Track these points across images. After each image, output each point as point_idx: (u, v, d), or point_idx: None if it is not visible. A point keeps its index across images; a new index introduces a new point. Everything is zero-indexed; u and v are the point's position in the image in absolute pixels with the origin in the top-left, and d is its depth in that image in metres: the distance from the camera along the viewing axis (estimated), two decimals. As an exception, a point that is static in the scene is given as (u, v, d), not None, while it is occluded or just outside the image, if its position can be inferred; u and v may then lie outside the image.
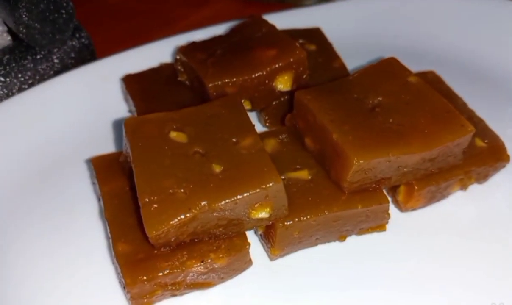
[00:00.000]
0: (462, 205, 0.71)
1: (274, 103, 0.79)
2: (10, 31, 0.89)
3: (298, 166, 0.67)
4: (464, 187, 0.71)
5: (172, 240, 0.58)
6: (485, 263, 0.65)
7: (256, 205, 0.59)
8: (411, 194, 0.67)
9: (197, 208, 0.57)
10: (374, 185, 0.64)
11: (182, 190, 0.58)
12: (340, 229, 0.65)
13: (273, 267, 0.65)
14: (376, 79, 0.70)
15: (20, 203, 0.73)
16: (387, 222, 0.67)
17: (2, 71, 0.86)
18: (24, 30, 0.84)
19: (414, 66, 0.73)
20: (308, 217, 0.62)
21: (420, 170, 0.65)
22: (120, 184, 0.66)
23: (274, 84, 0.77)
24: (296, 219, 0.62)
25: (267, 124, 0.80)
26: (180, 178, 0.59)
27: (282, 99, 0.79)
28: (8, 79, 0.86)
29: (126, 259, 0.59)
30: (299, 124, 0.70)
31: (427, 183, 0.67)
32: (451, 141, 0.63)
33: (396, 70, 0.71)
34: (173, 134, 0.63)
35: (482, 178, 0.72)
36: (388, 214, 0.66)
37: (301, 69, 0.77)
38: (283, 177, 0.62)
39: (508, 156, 0.71)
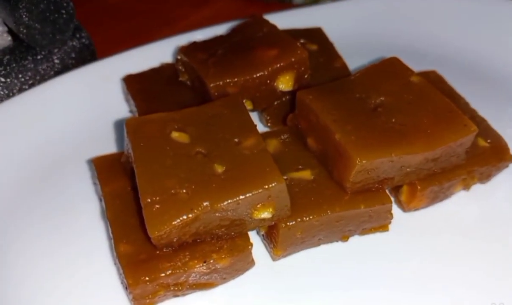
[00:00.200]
0: (465, 205, 0.71)
1: (275, 103, 0.79)
2: (10, 32, 0.89)
3: (300, 166, 0.67)
4: (467, 187, 0.71)
5: (174, 240, 0.58)
6: (488, 263, 0.65)
7: (258, 206, 0.59)
8: (414, 194, 0.67)
9: (199, 208, 0.57)
10: (377, 185, 0.64)
11: (184, 191, 0.58)
12: (342, 229, 0.65)
13: (276, 268, 0.65)
14: (378, 79, 0.70)
15: (21, 204, 0.72)
16: (390, 222, 0.67)
17: (3, 72, 0.85)
18: (25, 31, 0.83)
19: (416, 66, 0.73)
20: (311, 217, 0.62)
21: (423, 170, 0.65)
22: (122, 184, 0.66)
23: (275, 84, 0.76)
24: (299, 220, 0.61)
25: (268, 124, 0.80)
26: (182, 178, 0.59)
27: (283, 99, 0.79)
28: (8, 80, 0.86)
29: (128, 259, 0.59)
30: (301, 124, 0.70)
31: (430, 183, 0.66)
32: (454, 141, 0.63)
33: (398, 70, 0.71)
34: (175, 134, 0.63)
35: (485, 178, 0.72)
36: (391, 214, 0.66)
37: (302, 69, 0.76)
38: (285, 177, 0.62)
39: (511, 156, 0.71)
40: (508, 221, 0.69)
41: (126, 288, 0.60)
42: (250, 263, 0.63)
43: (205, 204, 0.57)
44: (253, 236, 0.66)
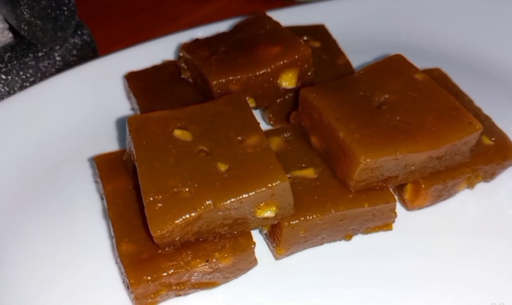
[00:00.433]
0: (469, 204, 0.71)
1: (278, 100, 0.79)
2: (11, 29, 0.89)
3: (303, 165, 0.66)
4: (471, 185, 0.71)
5: (177, 239, 0.57)
6: (493, 262, 0.64)
7: (261, 204, 0.59)
8: (418, 193, 0.66)
9: (202, 207, 0.56)
10: (380, 183, 0.64)
11: (187, 189, 0.57)
12: (346, 228, 0.64)
13: (278, 267, 0.65)
14: (382, 76, 0.69)
15: (22, 202, 0.72)
16: (393, 221, 0.66)
17: (4, 69, 0.85)
18: (26, 27, 0.83)
19: (419, 63, 0.73)
20: (314, 216, 0.61)
21: (427, 169, 0.64)
22: (124, 183, 0.66)
23: (278, 81, 0.76)
24: (302, 218, 0.61)
25: (271, 122, 0.79)
26: (185, 176, 0.58)
27: (286, 96, 0.78)
28: (9, 77, 0.85)
29: (130, 259, 0.59)
30: (304, 122, 0.69)
31: (434, 182, 0.66)
32: (459, 139, 0.62)
33: (402, 67, 0.70)
34: (178, 132, 0.62)
35: (489, 176, 0.71)
36: (395, 213, 0.65)
37: (305, 66, 0.76)
38: (288, 176, 0.61)
39: (515, 155, 0.70)
40: (513, 220, 0.68)
41: (127, 287, 0.59)
42: (253, 262, 0.63)
43: (208, 202, 0.56)
44: (255, 235, 0.65)
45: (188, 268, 0.58)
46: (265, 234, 0.66)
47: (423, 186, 0.66)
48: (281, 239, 0.62)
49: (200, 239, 0.59)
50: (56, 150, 0.79)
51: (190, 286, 0.60)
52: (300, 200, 0.62)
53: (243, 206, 0.58)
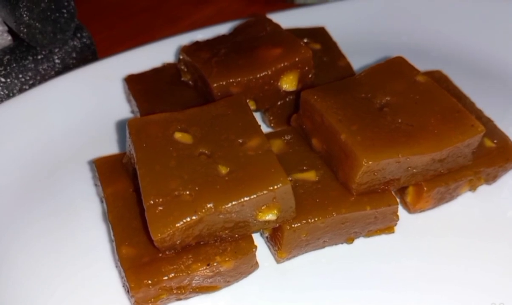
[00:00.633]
0: (471, 206, 0.70)
1: (279, 103, 0.78)
2: (10, 31, 0.88)
3: (305, 167, 0.66)
4: (473, 188, 0.70)
5: (178, 243, 0.57)
6: (495, 265, 0.64)
7: (263, 207, 0.58)
8: (420, 196, 0.66)
9: (203, 210, 0.56)
10: (382, 186, 0.63)
11: (187, 192, 0.57)
12: (348, 231, 0.64)
13: (280, 270, 0.64)
14: (383, 78, 0.69)
15: (21, 205, 0.72)
16: (395, 224, 0.66)
17: (3, 72, 0.85)
18: (25, 30, 0.83)
19: (421, 66, 0.72)
20: (316, 219, 0.61)
21: (430, 171, 0.64)
22: (124, 185, 0.65)
23: (279, 83, 0.76)
24: (304, 221, 0.61)
25: (271, 125, 0.79)
26: (186, 179, 0.58)
27: (287, 99, 0.78)
28: (8, 80, 0.85)
29: (130, 262, 0.58)
30: (305, 124, 0.69)
31: (436, 184, 0.65)
32: (462, 141, 0.62)
33: (403, 69, 0.70)
34: (178, 135, 0.62)
35: (491, 178, 0.71)
36: (397, 215, 0.65)
37: (306, 68, 0.76)
38: (289, 179, 0.61)
39: (517, 157, 0.70)
40: (516, 222, 0.68)
41: (128, 291, 0.59)
42: (254, 266, 0.62)
43: (209, 206, 0.56)
44: (257, 238, 0.65)
45: (189, 272, 0.58)
46: (267, 237, 0.65)
47: (425, 188, 0.65)
48: (282, 242, 0.61)
49: (201, 243, 0.59)
50: (56, 153, 0.78)
51: (191, 290, 0.60)
52: (302, 203, 0.61)
53: (244, 209, 0.57)
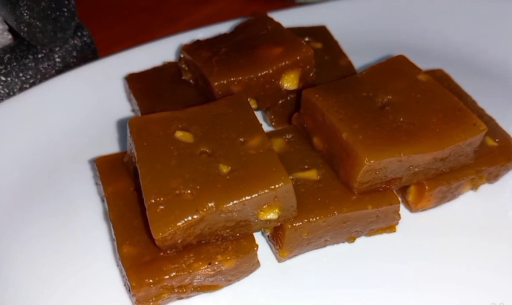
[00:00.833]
0: (473, 206, 0.70)
1: (280, 102, 0.78)
2: (11, 30, 0.88)
3: (306, 166, 0.66)
4: (475, 187, 0.70)
5: (179, 242, 0.57)
6: (497, 264, 0.64)
7: (264, 206, 0.58)
8: (422, 195, 0.66)
9: (205, 209, 0.56)
10: (384, 185, 0.63)
11: (189, 191, 0.57)
12: (349, 230, 0.64)
13: (281, 269, 0.64)
14: (385, 77, 0.69)
15: (22, 204, 0.71)
16: (397, 223, 0.66)
17: (3, 70, 0.84)
18: (25, 29, 0.82)
19: (422, 64, 0.72)
20: (318, 218, 0.61)
21: (431, 170, 0.64)
22: (125, 184, 0.65)
23: (280, 82, 0.75)
24: (305, 220, 0.60)
25: (272, 124, 0.79)
26: (187, 178, 0.58)
27: (288, 97, 0.78)
28: (9, 78, 0.85)
29: (131, 261, 0.58)
30: (306, 123, 0.69)
31: (438, 183, 0.65)
32: (464, 140, 0.62)
33: (405, 68, 0.70)
34: (179, 134, 0.62)
35: (493, 177, 0.71)
36: (399, 215, 0.65)
37: (308, 67, 0.75)
38: (291, 178, 0.61)
39: (519, 156, 0.70)
40: (517, 221, 0.68)
41: (129, 290, 0.59)
42: (256, 264, 0.62)
43: (210, 204, 0.56)
44: (258, 237, 0.65)
45: (190, 271, 0.57)
46: (268, 236, 0.65)
47: (427, 187, 0.65)
48: (284, 241, 0.61)
49: (202, 242, 0.59)
50: (56, 152, 0.78)
51: (192, 289, 0.59)
52: (303, 202, 0.61)
53: (245, 208, 0.57)
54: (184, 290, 0.59)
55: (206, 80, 0.75)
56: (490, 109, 0.75)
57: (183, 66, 0.81)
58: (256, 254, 0.61)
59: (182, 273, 0.57)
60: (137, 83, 0.81)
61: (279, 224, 0.61)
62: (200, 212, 0.55)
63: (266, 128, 0.78)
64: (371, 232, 0.66)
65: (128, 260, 0.58)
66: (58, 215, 0.70)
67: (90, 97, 0.85)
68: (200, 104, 0.67)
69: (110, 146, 0.78)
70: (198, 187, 0.57)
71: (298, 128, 0.71)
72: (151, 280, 0.56)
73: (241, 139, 0.62)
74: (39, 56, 0.87)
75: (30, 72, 0.86)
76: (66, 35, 0.87)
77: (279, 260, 0.64)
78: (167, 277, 0.57)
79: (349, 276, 0.63)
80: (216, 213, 0.56)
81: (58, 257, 0.66)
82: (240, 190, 0.57)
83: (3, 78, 0.84)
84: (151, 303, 0.58)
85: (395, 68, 0.70)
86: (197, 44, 0.81)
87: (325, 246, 0.65)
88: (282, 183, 0.57)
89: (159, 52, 0.89)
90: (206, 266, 0.58)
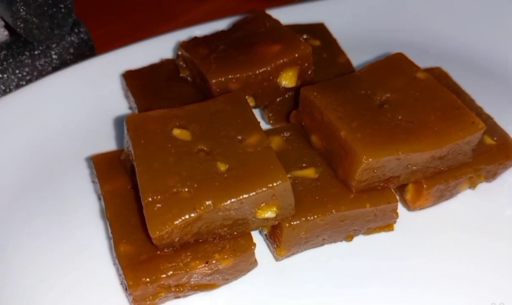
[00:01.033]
0: (471, 204, 0.70)
1: (278, 99, 0.78)
2: (7, 26, 0.88)
3: (304, 164, 0.66)
4: (473, 185, 0.70)
5: (176, 240, 0.56)
6: (494, 262, 0.64)
7: (262, 205, 0.58)
8: (420, 193, 0.66)
9: (202, 207, 0.55)
10: (382, 183, 0.63)
11: (186, 189, 0.56)
12: (347, 229, 0.64)
13: (279, 268, 0.64)
14: (383, 75, 0.68)
15: (18, 202, 0.71)
16: (395, 222, 0.66)
17: (-1, 67, 0.84)
18: (22, 25, 0.82)
19: (420, 62, 0.72)
20: (316, 216, 0.60)
21: (429, 168, 0.64)
22: (122, 182, 0.65)
23: (278, 80, 0.75)
24: (303, 219, 0.60)
25: (270, 121, 0.78)
26: (184, 176, 0.57)
27: (286, 95, 0.78)
28: (5, 75, 0.84)
29: (128, 260, 0.58)
30: (304, 121, 0.69)
31: (436, 182, 0.65)
32: (462, 138, 0.62)
33: (404, 66, 0.70)
34: (177, 131, 0.62)
35: (491, 176, 0.71)
36: (397, 213, 0.65)
37: (306, 64, 0.75)
38: (288, 176, 0.61)
39: (517, 154, 0.70)
40: (515, 220, 0.68)
41: (126, 289, 0.58)
42: (253, 263, 0.62)
43: (208, 203, 0.55)
44: (256, 236, 0.65)
45: (188, 270, 0.57)
46: (266, 235, 0.65)
47: (425, 186, 0.65)
48: (281, 240, 0.61)
49: (200, 240, 0.58)
50: (53, 150, 0.78)
51: (189, 287, 0.59)
52: (301, 200, 0.61)
53: (243, 207, 0.57)
54: (181, 289, 0.59)
55: (204, 78, 0.75)
56: (488, 108, 0.75)
57: (181, 63, 0.80)
58: (253, 253, 0.61)
59: (179, 272, 0.57)
60: (135, 80, 0.81)
61: (276, 222, 0.60)
62: (198, 210, 0.55)
63: (264, 126, 0.77)
64: (369, 231, 0.66)
65: (125, 259, 0.58)
66: (54, 213, 0.70)
67: (87, 94, 0.85)
68: (198, 102, 0.66)
69: (107, 143, 0.78)
70: (195, 185, 0.57)
71: (296, 126, 0.71)
72: (148, 279, 0.56)
73: (239, 137, 0.62)
74: (36, 52, 0.87)
75: (26, 69, 0.86)
76: (63, 32, 0.87)
77: (277, 259, 0.64)
78: (164, 276, 0.56)
79: (347, 274, 0.63)
80: (214, 211, 0.56)
81: (55, 255, 0.65)
82: (238, 188, 0.56)
83: (-1, 75, 0.84)
84: (148, 302, 0.58)
85: (394, 66, 0.70)
86: (195, 41, 0.80)
87: (323, 244, 0.65)
88: (280, 182, 0.57)
89: (156, 49, 0.88)
90: (203, 265, 0.57)
